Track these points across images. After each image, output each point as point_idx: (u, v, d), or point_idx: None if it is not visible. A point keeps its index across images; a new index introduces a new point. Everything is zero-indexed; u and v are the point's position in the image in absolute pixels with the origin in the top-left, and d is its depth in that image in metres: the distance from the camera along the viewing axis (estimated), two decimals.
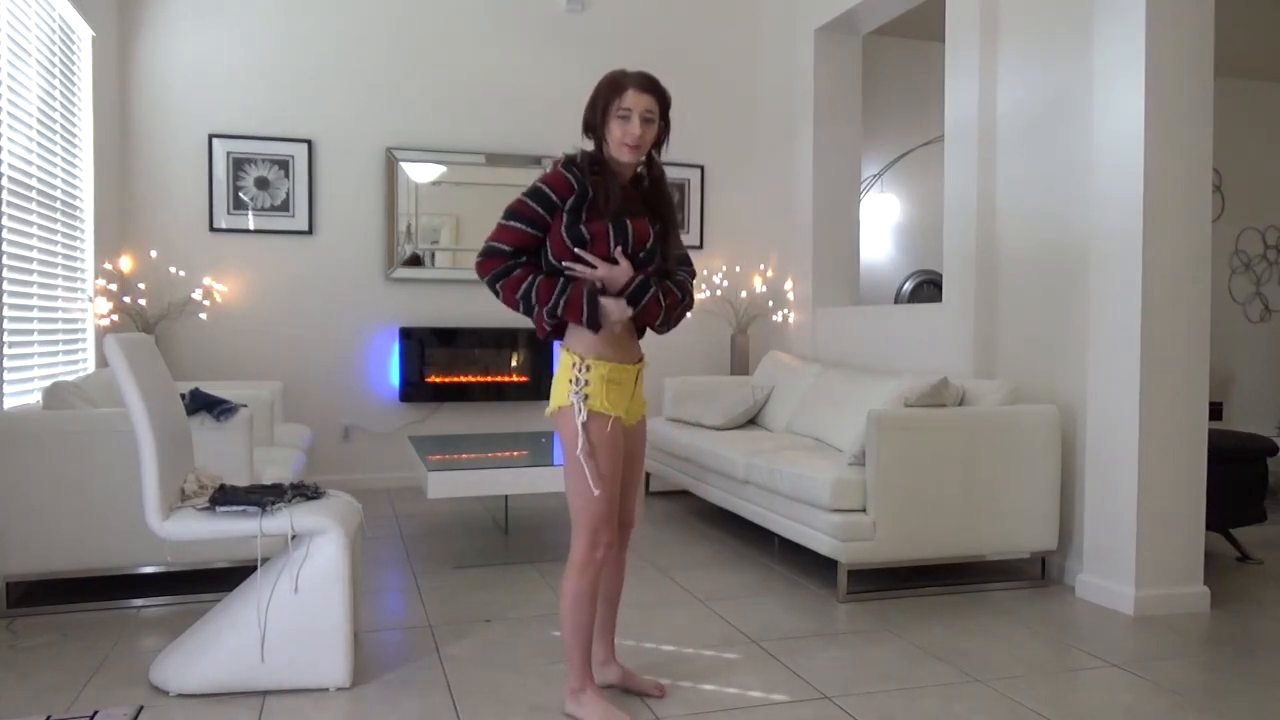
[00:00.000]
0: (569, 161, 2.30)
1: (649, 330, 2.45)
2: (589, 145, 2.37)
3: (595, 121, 2.31)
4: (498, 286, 2.30)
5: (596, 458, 2.30)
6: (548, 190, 2.27)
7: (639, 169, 2.41)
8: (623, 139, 2.27)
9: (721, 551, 4.21)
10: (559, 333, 2.37)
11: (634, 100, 2.27)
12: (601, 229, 2.27)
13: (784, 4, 5.90)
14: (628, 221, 2.31)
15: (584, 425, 2.28)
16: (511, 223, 2.28)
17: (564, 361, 2.34)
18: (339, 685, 2.59)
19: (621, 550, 2.56)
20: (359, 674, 2.67)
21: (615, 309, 2.27)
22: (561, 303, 2.25)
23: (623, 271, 2.29)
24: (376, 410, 5.64)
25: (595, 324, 2.26)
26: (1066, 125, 3.76)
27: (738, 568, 3.93)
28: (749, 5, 6.23)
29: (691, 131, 6.04)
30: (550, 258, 2.31)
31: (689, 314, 2.54)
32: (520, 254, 2.29)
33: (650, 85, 2.31)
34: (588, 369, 2.30)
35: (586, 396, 2.29)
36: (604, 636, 2.57)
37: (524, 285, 2.27)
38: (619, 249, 2.29)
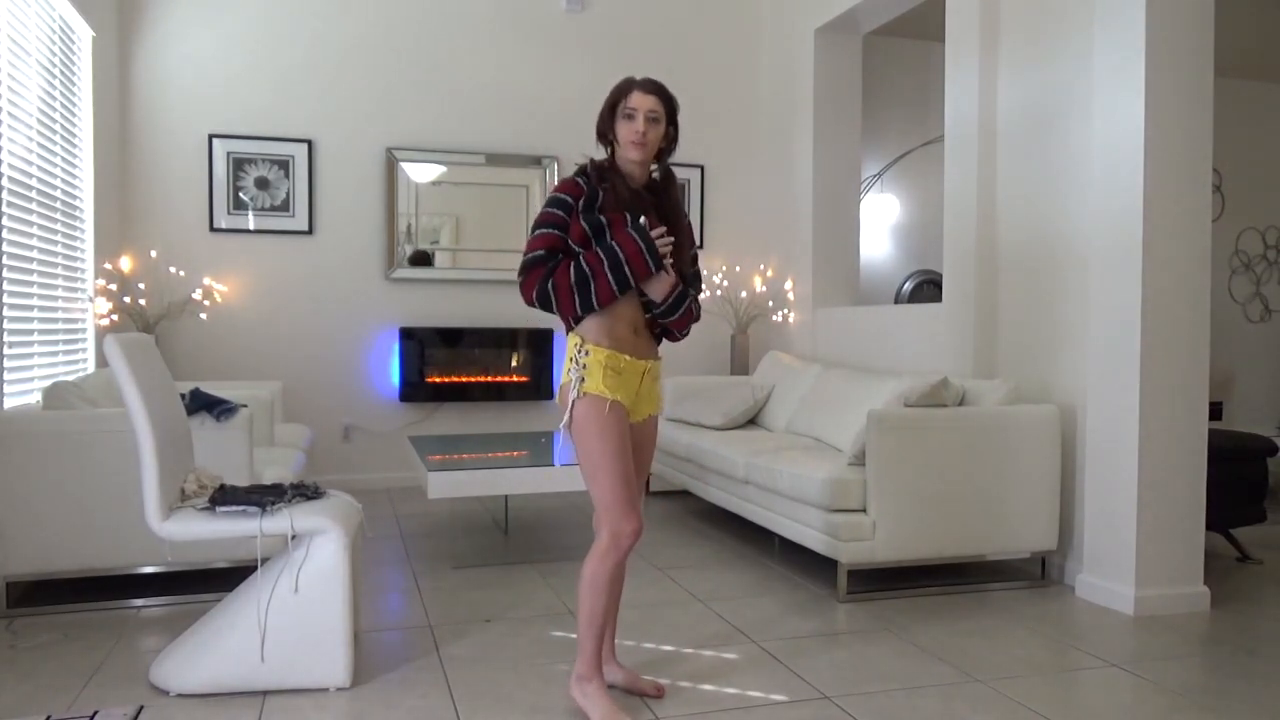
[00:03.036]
0: (580, 169, 2.44)
1: (665, 339, 2.55)
2: (603, 153, 2.48)
3: (605, 126, 2.43)
4: (549, 287, 2.33)
5: (589, 438, 2.33)
6: (560, 195, 2.40)
7: (652, 174, 2.49)
8: (629, 137, 2.37)
9: (721, 551, 4.21)
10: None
11: (639, 100, 2.37)
12: (618, 215, 2.37)
13: (784, 4, 5.90)
14: (642, 217, 2.39)
15: (574, 403, 2.35)
16: (540, 230, 2.38)
17: (569, 344, 2.42)
18: (339, 685, 2.59)
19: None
20: (359, 674, 2.67)
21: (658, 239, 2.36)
22: (615, 246, 2.31)
23: (669, 281, 2.40)
24: (376, 410, 5.64)
25: (653, 250, 2.32)
26: (1067, 125, 3.76)
27: (738, 568, 3.93)
28: (749, 5, 6.23)
29: (691, 131, 5.95)
30: (573, 244, 2.37)
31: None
32: (556, 254, 2.37)
33: (655, 88, 2.40)
34: (587, 353, 2.36)
35: (583, 379, 2.35)
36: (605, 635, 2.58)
37: (574, 269, 2.33)
38: (670, 263, 2.41)
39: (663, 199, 2.47)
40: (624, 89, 2.40)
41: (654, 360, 2.50)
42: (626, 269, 2.31)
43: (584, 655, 2.42)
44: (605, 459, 2.33)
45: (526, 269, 2.35)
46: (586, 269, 2.31)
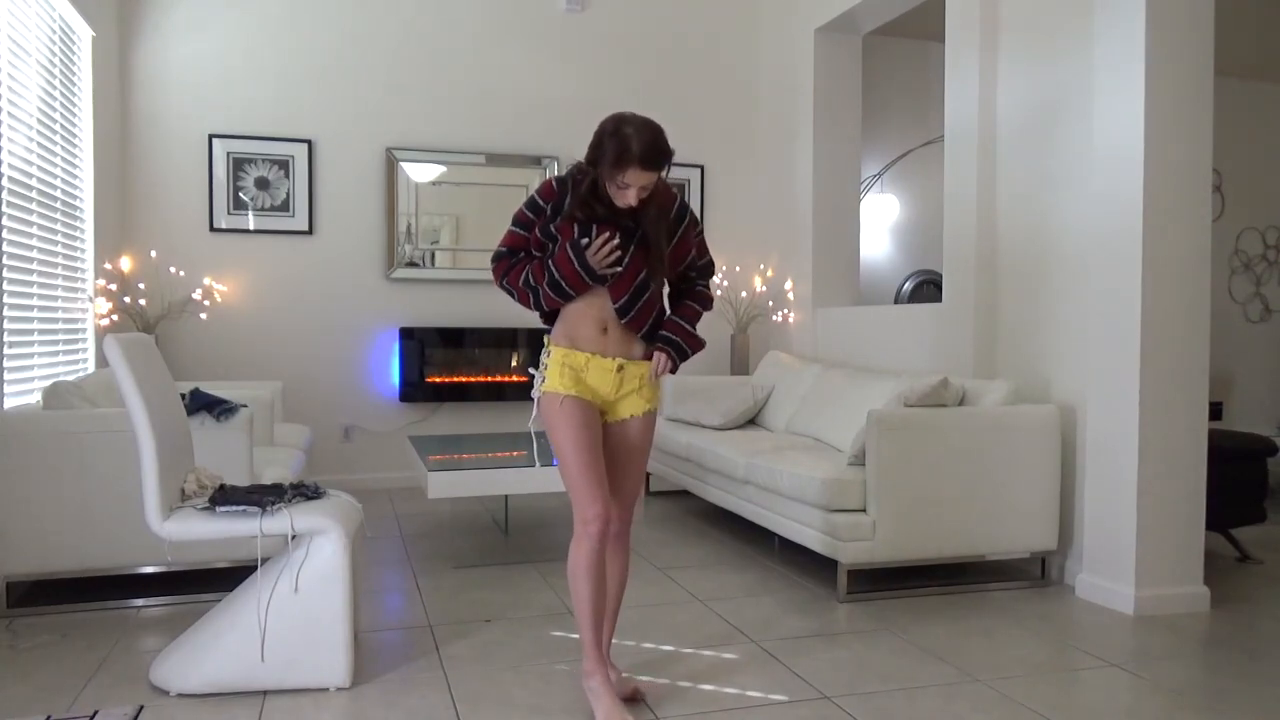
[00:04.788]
0: (569, 170, 2.45)
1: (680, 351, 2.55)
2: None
3: (595, 161, 2.31)
4: (505, 284, 2.51)
5: (551, 431, 2.44)
6: (536, 196, 2.46)
7: None
8: (620, 200, 2.34)
9: (721, 551, 4.21)
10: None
11: (635, 177, 2.28)
12: (567, 227, 2.41)
13: (784, 4, 5.90)
14: (594, 227, 2.38)
15: (537, 401, 2.48)
16: (510, 228, 2.50)
17: None
18: (339, 685, 2.59)
19: (608, 557, 2.54)
20: (359, 674, 2.67)
21: (598, 250, 2.37)
22: (552, 265, 2.41)
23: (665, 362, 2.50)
24: (376, 410, 5.64)
25: (587, 268, 2.37)
26: (1066, 125, 3.76)
27: (738, 568, 3.93)
28: (749, 5, 6.23)
29: (691, 131, 6.04)
30: (533, 250, 2.49)
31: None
32: (517, 253, 2.51)
33: (654, 161, 2.27)
34: (548, 354, 2.49)
35: (544, 379, 2.46)
36: None
37: (524, 273, 2.48)
38: (619, 270, 2.41)
39: (642, 213, 2.39)
40: (622, 158, 2.24)
41: (629, 359, 2.47)
42: (564, 286, 2.41)
43: (584, 650, 2.44)
44: (565, 448, 2.42)
45: (493, 260, 2.54)
46: (532, 280, 2.45)
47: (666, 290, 2.59)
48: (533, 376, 2.52)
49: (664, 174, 2.35)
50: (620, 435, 2.51)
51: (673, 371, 2.51)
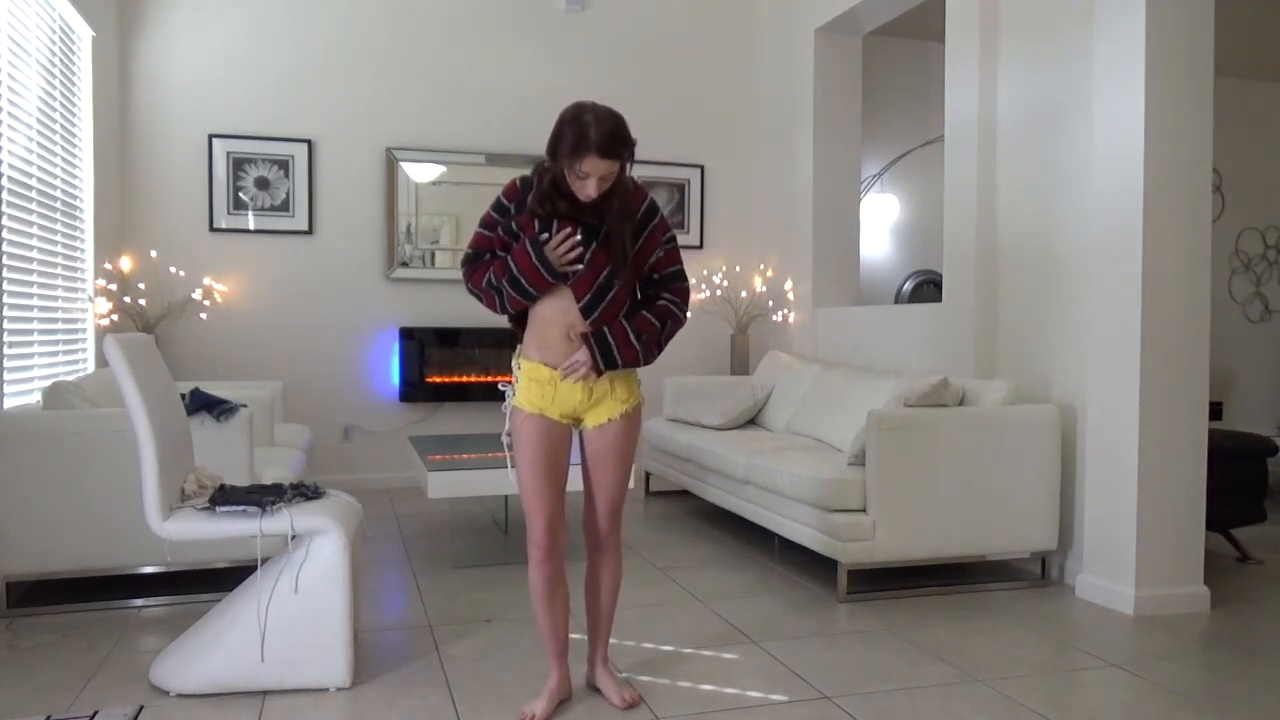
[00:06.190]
0: (533, 169, 2.41)
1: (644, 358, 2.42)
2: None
3: (554, 153, 2.27)
4: (470, 287, 2.45)
5: (516, 450, 2.42)
6: (501, 197, 2.42)
7: None
8: (580, 191, 2.27)
9: (721, 551, 4.21)
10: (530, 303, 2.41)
11: (593, 166, 2.20)
12: (528, 224, 2.35)
13: (784, 4, 5.90)
14: (554, 222, 2.32)
15: (510, 416, 2.44)
16: (476, 230, 2.46)
17: None
18: (339, 685, 2.59)
19: (598, 563, 2.56)
20: (359, 674, 2.67)
21: (558, 246, 2.29)
22: (511, 262, 2.34)
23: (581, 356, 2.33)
24: (376, 410, 5.64)
25: (546, 264, 2.29)
26: (1066, 125, 3.76)
27: (738, 568, 3.93)
28: (748, 5, 6.23)
29: (691, 131, 6.04)
30: (497, 251, 2.43)
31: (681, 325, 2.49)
32: (483, 255, 2.45)
33: (612, 149, 2.19)
34: (519, 366, 2.43)
35: (514, 393, 2.42)
36: (589, 640, 2.62)
37: (487, 274, 2.41)
38: (580, 268, 2.31)
39: (605, 207, 2.31)
40: (580, 145, 2.17)
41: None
42: (524, 283, 2.33)
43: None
44: (521, 469, 2.41)
45: (461, 264, 2.49)
46: (494, 280, 2.38)
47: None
48: (504, 391, 2.45)
49: (628, 168, 2.30)
50: (599, 441, 2.45)
51: (598, 374, 2.34)
